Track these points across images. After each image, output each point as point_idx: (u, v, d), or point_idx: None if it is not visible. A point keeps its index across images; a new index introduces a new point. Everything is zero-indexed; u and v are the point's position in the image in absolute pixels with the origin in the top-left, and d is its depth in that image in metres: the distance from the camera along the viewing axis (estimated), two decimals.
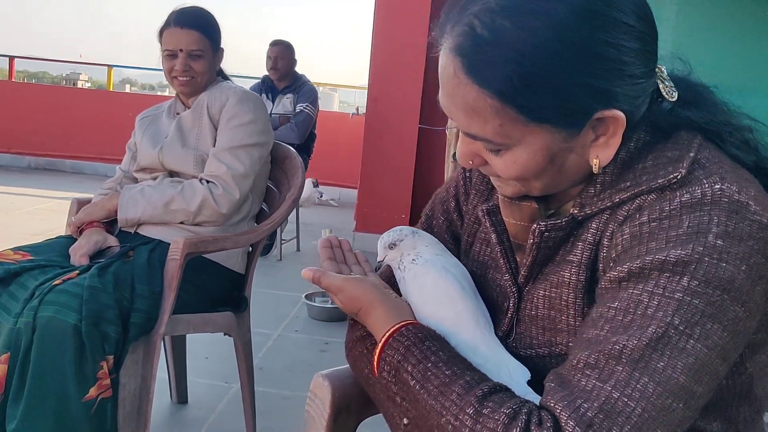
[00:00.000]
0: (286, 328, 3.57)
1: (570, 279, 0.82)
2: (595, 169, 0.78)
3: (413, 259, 0.91)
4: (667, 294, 0.70)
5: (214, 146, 2.13)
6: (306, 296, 3.82)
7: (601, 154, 0.77)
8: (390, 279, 0.98)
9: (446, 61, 0.76)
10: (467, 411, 0.73)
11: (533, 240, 0.83)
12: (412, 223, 4.51)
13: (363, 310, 0.89)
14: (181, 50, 2.12)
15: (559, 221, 0.82)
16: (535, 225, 0.83)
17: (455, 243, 1.03)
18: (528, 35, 0.71)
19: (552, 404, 0.70)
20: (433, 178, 5.35)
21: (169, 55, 2.15)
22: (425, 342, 0.82)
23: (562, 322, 0.83)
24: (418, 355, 0.81)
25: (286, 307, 3.84)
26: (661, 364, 0.68)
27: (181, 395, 2.57)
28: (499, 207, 0.91)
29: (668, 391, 0.68)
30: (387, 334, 0.84)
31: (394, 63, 5.22)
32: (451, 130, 3.51)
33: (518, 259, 0.90)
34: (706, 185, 0.73)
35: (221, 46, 2.28)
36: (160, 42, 2.20)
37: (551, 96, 0.72)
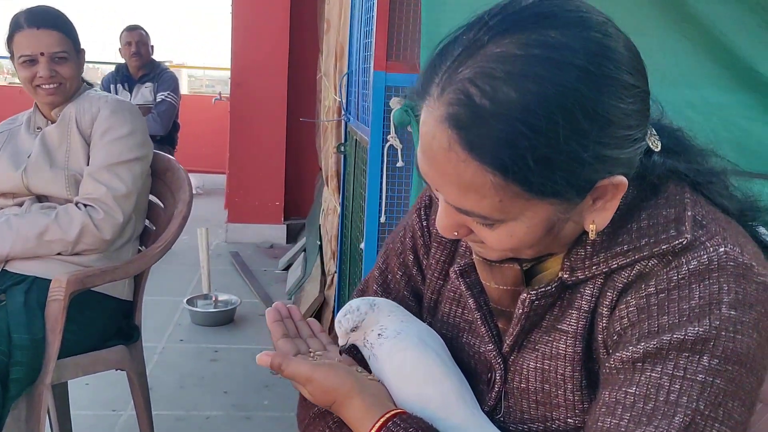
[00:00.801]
0: (170, 338, 3.36)
1: (566, 351, 0.76)
2: (592, 235, 0.72)
3: (379, 334, 0.82)
4: (689, 376, 0.66)
5: (87, 164, 1.91)
6: (187, 301, 3.61)
7: (598, 219, 0.71)
8: (354, 353, 0.89)
9: (436, 132, 0.66)
10: None
11: (522, 310, 0.77)
12: (288, 210, 4.40)
13: (338, 402, 0.79)
14: (42, 54, 1.87)
15: (549, 288, 0.76)
16: (525, 295, 0.77)
17: (416, 300, 0.95)
18: (539, 106, 0.62)
19: None
20: (306, 165, 5.23)
21: (28, 61, 1.88)
22: None
23: (559, 397, 0.77)
24: None
25: (166, 314, 3.61)
26: None
27: None
28: (471, 266, 0.84)
29: None
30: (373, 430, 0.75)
31: (257, 49, 5.02)
32: (331, 123, 3.40)
33: (499, 326, 0.83)
34: (711, 249, 0.69)
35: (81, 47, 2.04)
36: (11, 49, 1.93)
37: (562, 171, 0.65)
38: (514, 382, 0.80)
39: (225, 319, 3.56)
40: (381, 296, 0.93)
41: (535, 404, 0.79)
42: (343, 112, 2.93)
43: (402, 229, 0.96)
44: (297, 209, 5.31)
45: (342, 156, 3.01)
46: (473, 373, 0.84)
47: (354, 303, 0.84)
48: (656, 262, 0.71)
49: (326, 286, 3.36)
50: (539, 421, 0.79)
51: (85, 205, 1.84)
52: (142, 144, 1.98)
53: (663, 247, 0.70)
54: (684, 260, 0.69)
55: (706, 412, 0.65)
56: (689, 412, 0.65)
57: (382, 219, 2.06)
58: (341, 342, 0.83)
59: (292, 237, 5.25)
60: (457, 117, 0.65)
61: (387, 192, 2.05)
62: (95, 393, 2.70)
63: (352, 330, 0.82)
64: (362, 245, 2.12)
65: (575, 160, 0.65)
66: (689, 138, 0.80)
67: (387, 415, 0.76)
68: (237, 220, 5.17)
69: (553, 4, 0.67)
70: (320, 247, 3.95)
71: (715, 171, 0.78)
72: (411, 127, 2.01)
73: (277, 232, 5.22)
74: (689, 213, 0.72)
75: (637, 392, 0.68)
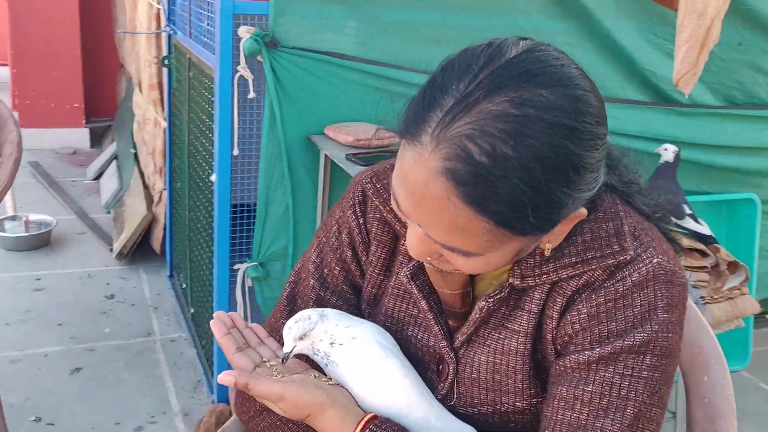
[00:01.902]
0: None
1: (517, 348, 0.85)
2: (547, 252, 0.80)
3: (331, 343, 0.85)
4: (635, 374, 0.78)
5: None
6: None
7: (554, 240, 0.78)
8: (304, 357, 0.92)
9: (430, 182, 0.68)
10: None
11: (479, 315, 0.84)
12: (89, 111, 4.09)
13: (312, 415, 0.82)
14: None
15: (503, 294, 0.83)
16: (484, 303, 0.84)
17: (355, 293, 0.98)
18: (536, 165, 0.67)
19: None
20: (106, 60, 4.80)
21: None
22: None
23: (509, 385, 0.86)
24: None
25: None
26: None
27: None
28: (419, 267, 0.89)
29: None
30: None
31: None
32: (143, 25, 3.14)
33: (450, 323, 0.89)
34: (647, 261, 0.79)
35: None
36: None
37: (549, 216, 0.71)
38: (465, 373, 0.88)
39: (41, 242, 3.32)
40: (319, 290, 0.96)
41: (486, 391, 0.88)
42: (165, 22, 2.73)
43: (335, 223, 0.97)
44: (98, 110, 4.93)
45: (166, 69, 2.83)
46: (420, 363, 0.90)
47: (306, 312, 0.87)
48: (601, 272, 0.80)
49: (153, 202, 3.23)
50: (489, 405, 0.88)
51: None
52: None
53: (609, 261, 0.79)
54: (627, 273, 0.79)
55: (648, 401, 0.78)
56: (637, 404, 0.78)
57: (235, 152, 2.02)
58: (287, 348, 0.86)
59: (96, 141, 4.90)
60: (455, 172, 0.67)
61: (239, 124, 1.99)
62: None
63: (301, 338, 0.85)
64: (213, 177, 2.07)
65: (559, 206, 0.71)
66: (613, 147, 0.87)
67: (362, 423, 0.81)
68: (31, 125, 4.68)
69: (537, 59, 0.70)
70: (135, 155, 3.74)
71: (634, 179, 0.88)
72: (261, 56, 1.95)
73: (78, 137, 4.83)
74: (626, 227, 0.81)
75: (593, 390, 0.79)
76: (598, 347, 0.79)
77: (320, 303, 0.95)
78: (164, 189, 3.05)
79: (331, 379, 0.86)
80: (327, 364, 0.86)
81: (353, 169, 1.85)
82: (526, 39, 0.73)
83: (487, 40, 0.73)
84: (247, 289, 2.21)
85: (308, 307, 0.96)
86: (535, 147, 0.67)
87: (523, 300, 0.84)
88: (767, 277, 2.79)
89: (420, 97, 0.71)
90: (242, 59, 1.94)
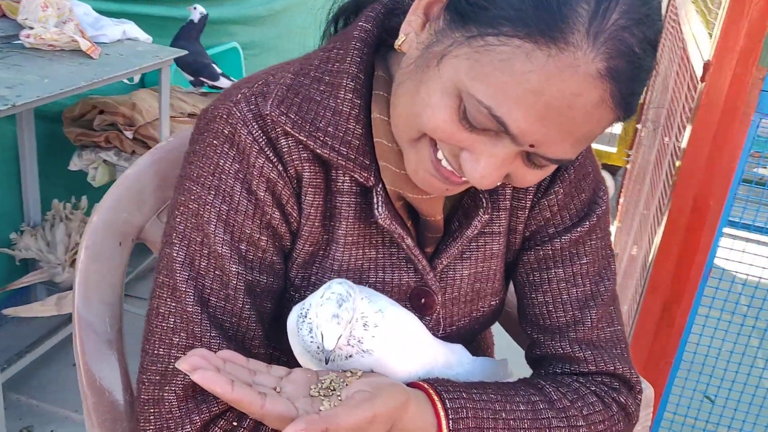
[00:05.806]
0: None
1: (499, 250, 0.80)
2: None
3: (364, 324, 0.66)
4: (605, 233, 0.83)
5: None
6: None
7: None
8: None
9: (585, 88, 0.56)
10: (578, 424, 0.74)
11: (478, 229, 0.76)
12: None
13: (398, 418, 0.64)
14: None
15: (486, 200, 0.76)
16: (486, 215, 0.76)
17: (284, 262, 0.75)
18: (658, 48, 0.61)
19: (612, 368, 0.78)
20: None
21: None
22: (472, 395, 0.70)
23: (488, 289, 0.82)
24: (484, 414, 0.70)
25: None
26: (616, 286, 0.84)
27: None
28: (389, 207, 0.73)
29: None
30: (443, 419, 0.68)
31: None
32: None
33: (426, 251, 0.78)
34: None
35: None
36: None
37: None
38: (447, 295, 0.80)
39: None
40: (245, 273, 0.71)
41: (464, 304, 0.82)
42: None
43: (234, 182, 0.70)
44: None
45: None
46: None
47: (339, 290, 0.64)
48: None
49: None
50: (466, 317, 0.83)
51: None
52: None
53: None
54: None
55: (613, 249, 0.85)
56: (612, 256, 0.83)
57: None
58: (330, 343, 0.63)
59: None
60: (618, 71, 0.57)
61: None
62: None
63: (349, 322, 0.64)
64: None
65: None
66: None
67: (435, 398, 0.68)
68: None
69: None
70: None
71: None
72: None
73: None
74: None
75: (588, 260, 0.81)
76: (585, 221, 0.81)
77: (249, 291, 0.72)
78: None
79: (361, 371, 0.68)
80: (353, 354, 0.67)
81: None
82: None
83: None
84: None
85: (232, 305, 0.72)
86: (659, 29, 0.62)
87: (495, 200, 0.80)
88: None
89: None
90: None
